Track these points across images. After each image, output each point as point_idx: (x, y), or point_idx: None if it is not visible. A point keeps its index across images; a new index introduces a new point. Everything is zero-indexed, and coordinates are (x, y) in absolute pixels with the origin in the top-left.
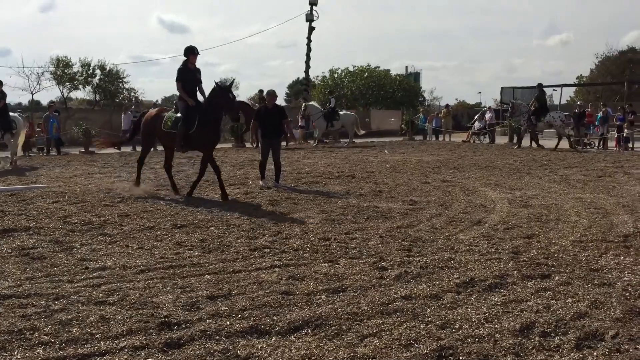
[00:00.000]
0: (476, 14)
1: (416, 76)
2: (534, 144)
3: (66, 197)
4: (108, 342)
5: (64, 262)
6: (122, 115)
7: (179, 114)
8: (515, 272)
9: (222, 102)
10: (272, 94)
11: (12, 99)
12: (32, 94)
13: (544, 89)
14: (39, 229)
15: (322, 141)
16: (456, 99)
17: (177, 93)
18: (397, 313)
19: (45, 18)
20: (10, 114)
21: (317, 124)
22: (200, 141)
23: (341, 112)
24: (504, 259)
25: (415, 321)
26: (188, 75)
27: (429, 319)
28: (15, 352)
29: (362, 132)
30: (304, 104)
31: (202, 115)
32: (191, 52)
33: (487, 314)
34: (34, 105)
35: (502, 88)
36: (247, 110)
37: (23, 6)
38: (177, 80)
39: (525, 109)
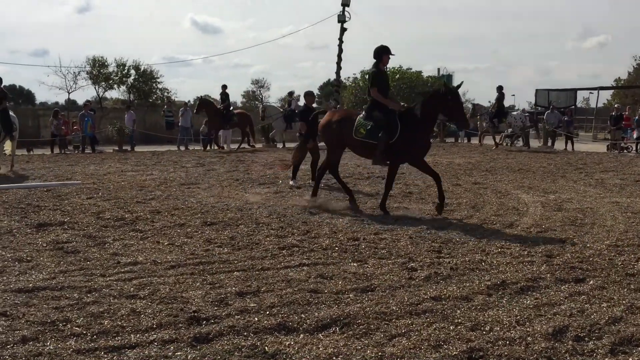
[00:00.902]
0: (508, 17)
1: (448, 78)
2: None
3: (100, 193)
4: (138, 335)
5: (96, 256)
6: (125, 114)
7: (370, 122)
8: (548, 275)
9: (447, 108)
10: (311, 95)
11: (50, 97)
12: (69, 93)
13: (542, 90)
14: (73, 224)
15: (274, 142)
16: (489, 102)
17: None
18: (427, 314)
19: (82, 19)
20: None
21: (275, 125)
22: (406, 151)
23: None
24: (537, 262)
25: (444, 322)
26: (383, 78)
27: (459, 320)
28: (48, 343)
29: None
30: (262, 104)
31: (408, 122)
32: (385, 53)
33: (518, 317)
34: (70, 104)
35: (536, 90)
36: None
37: (60, 7)
38: (373, 85)
39: (485, 111)
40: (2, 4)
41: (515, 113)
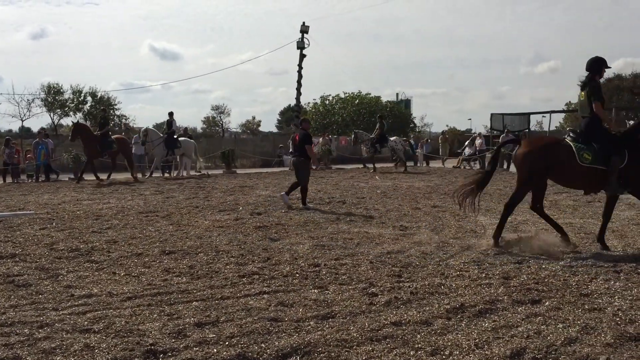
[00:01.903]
0: (463, 43)
1: (407, 103)
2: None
3: (54, 223)
4: None
5: (49, 289)
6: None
7: (593, 144)
8: (505, 297)
9: None
10: (307, 121)
11: (2, 125)
12: (22, 121)
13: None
14: (25, 256)
15: (159, 170)
16: (447, 126)
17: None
18: (387, 339)
19: (37, 46)
20: None
21: (156, 151)
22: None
23: (181, 139)
24: (495, 284)
25: (405, 347)
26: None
27: (419, 345)
28: None
29: (201, 160)
30: (144, 128)
31: (631, 144)
32: (605, 65)
33: (477, 340)
34: (24, 132)
35: (492, 114)
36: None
37: (14, 34)
38: (598, 98)
39: (366, 137)
40: None
41: (394, 138)
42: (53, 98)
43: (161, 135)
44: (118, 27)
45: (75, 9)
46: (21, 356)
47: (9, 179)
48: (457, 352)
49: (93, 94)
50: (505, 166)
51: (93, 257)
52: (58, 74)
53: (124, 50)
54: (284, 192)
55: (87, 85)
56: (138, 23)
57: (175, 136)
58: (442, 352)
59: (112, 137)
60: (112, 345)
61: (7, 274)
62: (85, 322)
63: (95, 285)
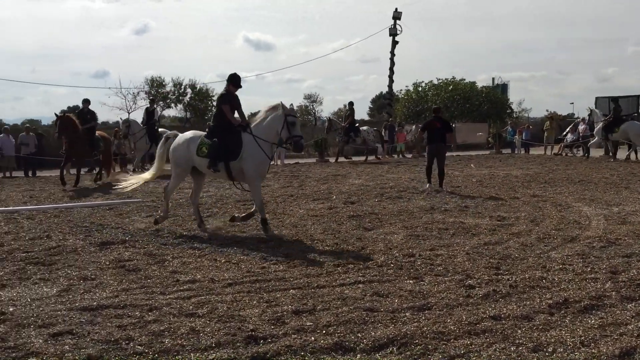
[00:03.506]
0: (563, 24)
1: (503, 88)
2: (342, 158)
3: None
4: (198, 354)
5: (156, 274)
6: None
7: None
8: (613, 293)
9: None
10: (439, 109)
11: (110, 117)
12: (129, 113)
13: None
14: (134, 242)
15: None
16: (547, 110)
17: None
18: (486, 334)
19: (140, 41)
20: None
21: (138, 146)
22: None
23: (161, 130)
24: (601, 279)
25: (505, 343)
26: None
27: (520, 340)
28: None
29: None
30: (125, 118)
31: None
32: None
33: (583, 338)
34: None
35: (596, 98)
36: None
37: (119, 30)
38: None
39: (339, 126)
40: (64, 30)
41: (365, 128)
42: (156, 90)
43: (142, 127)
44: (214, 20)
45: (174, 4)
46: (133, 337)
47: (117, 169)
48: (561, 350)
49: (192, 86)
50: (610, 153)
51: (195, 244)
52: (160, 67)
53: (220, 42)
54: (428, 184)
55: (187, 78)
56: (231, 15)
57: (156, 127)
58: (544, 349)
59: (98, 134)
60: (215, 330)
61: (118, 259)
62: (191, 307)
63: (199, 271)
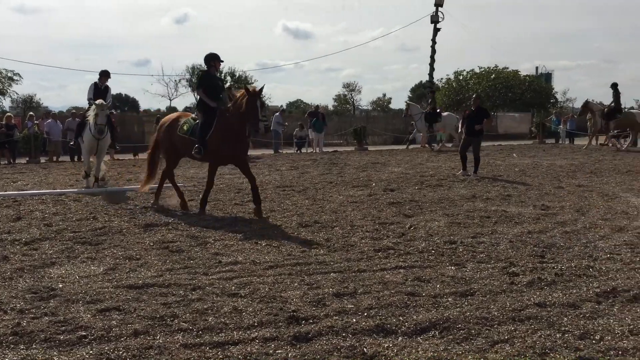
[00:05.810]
0: (611, 12)
1: (547, 77)
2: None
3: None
4: (241, 332)
5: (199, 255)
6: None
7: None
8: None
9: None
10: (478, 97)
11: (152, 104)
12: (170, 100)
13: None
14: (176, 225)
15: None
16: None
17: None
18: (531, 320)
19: (180, 30)
20: None
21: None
22: None
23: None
24: None
25: (550, 330)
26: None
27: (566, 328)
28: (157, 337)
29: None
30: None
31: None
32: None
33: (632, 326)
34: (172, 110)
35: None
36: None
37: (160, 19)
38: None
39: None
40: (108, 19)
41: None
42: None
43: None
44: (253, 9)
45: None
46: (178, 314)
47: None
48: (609, 338)
49: (232, 74)
50: None
51: (237, 227)
52: (199, 56)
53: (260, 31)
54: (462, 170)
55: (227, 66)
56: (270, 4)
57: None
58: (592, 337)
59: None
60: (257, 310)
61: (162, 241)
62: (233, 287)
63: (240, 253)
